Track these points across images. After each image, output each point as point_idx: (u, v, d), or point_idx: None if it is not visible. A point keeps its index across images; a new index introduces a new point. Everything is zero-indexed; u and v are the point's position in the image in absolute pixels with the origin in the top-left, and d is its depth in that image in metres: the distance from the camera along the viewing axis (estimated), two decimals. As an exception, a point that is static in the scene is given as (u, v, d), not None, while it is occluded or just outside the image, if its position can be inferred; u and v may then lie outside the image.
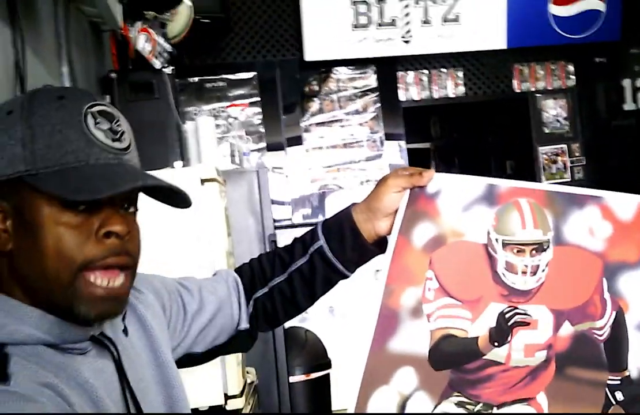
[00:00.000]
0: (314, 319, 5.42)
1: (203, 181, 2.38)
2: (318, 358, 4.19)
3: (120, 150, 1.16)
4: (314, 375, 4.11)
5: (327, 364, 4.25)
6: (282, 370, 3.69)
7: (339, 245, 1.53)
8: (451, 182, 1.48)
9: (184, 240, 2.34)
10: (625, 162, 6.61)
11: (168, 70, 3.52)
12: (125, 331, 1.30)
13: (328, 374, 4.25)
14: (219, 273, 1.61)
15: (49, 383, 1.08)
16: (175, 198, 1.24)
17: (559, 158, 6.71)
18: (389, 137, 6.27)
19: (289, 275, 1.55)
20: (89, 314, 1.14)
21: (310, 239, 1.56)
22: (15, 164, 1.11)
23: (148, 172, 1.23)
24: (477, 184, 1.46)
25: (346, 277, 1.56)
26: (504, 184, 1.45)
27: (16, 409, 1.02)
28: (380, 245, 1.54)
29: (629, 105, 6.82)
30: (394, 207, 1.48)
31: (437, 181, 1.48)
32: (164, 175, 1.22)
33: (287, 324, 4.09)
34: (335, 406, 4.27)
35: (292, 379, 3.90)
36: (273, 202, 5.16)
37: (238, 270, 1.61)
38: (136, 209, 1.22)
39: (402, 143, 6.31)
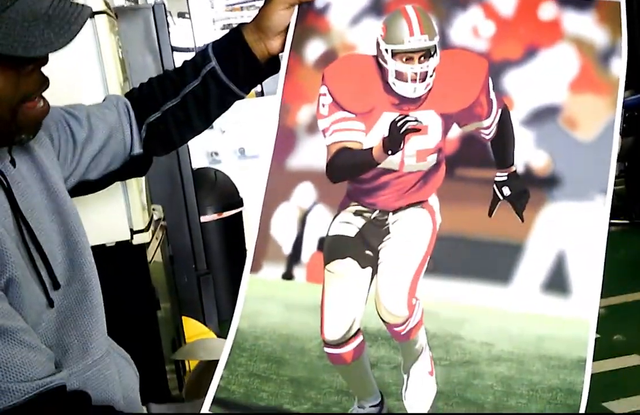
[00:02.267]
0: (225, 161, 5.42)
1: (92, 14, 2.28)
2: (229, 197, 4.22)
3: None
4: (225, 214, 4.15)
5: (239, 203, 4.28)
6: (192, 210, 3.69)
7: (231, 66, 1.51)
8: None
9: (75, 77, 2.27)
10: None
11: None
12: (12, 163, 1.27)
13: (240, 213, 4.29)
14: (108, 98, 1.58)
15: None
16: None
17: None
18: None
19: (182, 98, 1.53)
20: (27, 137, 1.24)
21: (201, 60, 1.53)
22: None
23: None
24: None
25: (241, 97, 1.56)
26: None
27: None
28: (272, 64, 1.53)
29: None
30: (283, 24, 1.47)
31: None
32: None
33: (196, 165, 4.08)
34: (249, 244, 4.32)
35: (203, 218, 3.92)
36: (177, 49, 5.04)
37: (128, 95, 1.58)
38: None
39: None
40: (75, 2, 1.20)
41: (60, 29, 1.13)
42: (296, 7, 1.46)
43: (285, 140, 1.42)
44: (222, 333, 3.86)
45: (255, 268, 1.38)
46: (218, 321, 4.02)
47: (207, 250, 3.90)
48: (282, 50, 1.49)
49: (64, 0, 1.18)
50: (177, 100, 1.53)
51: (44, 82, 1.21)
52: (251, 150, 5.58)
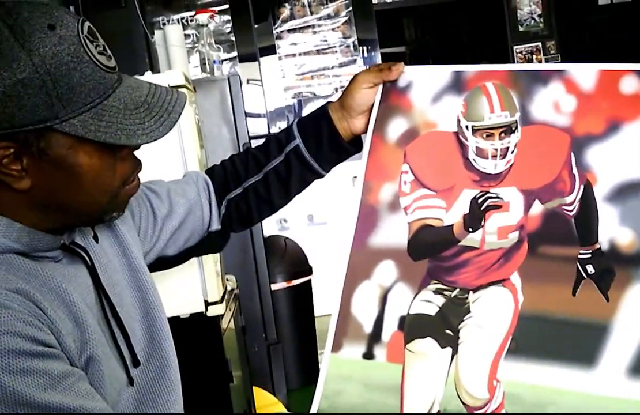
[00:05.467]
0: (294, 228, 5.44)
1: (172, 88, 2.33)
2: (298, 265, 4.21)
3: (114, 68, 1.16)
4: (295, 282, 4.14)
5: (308, 271, 4.28)
6: (263, 278, 3.71)
7: (315, 144, 1.53)
8: (420, 73, 1.49)
9: (155, 148, 2.30)
10: (599, 59, 6.55)
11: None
12: (95, 238, 1.30)
13: (309, 281, 4.28)
14: (188, 175, 1.60)
15: (19, 288, 1.08)
16: None
17: (534, 56, 6.67)
18: (362, 42, 6.19)
19: (265, 175, 1.55)
20: (118, 215, 1.25)
21: (285, 138, 1.55)
22: (39, 113, 1.07)
23: None
24: (444, 72, 1.47)
25: (322, 176, 1.57)
26: (469, 70, 1.46)
27: None
28: (355, 143, 1.54)
29: (603, 0, 6.75)
30: (367, 103, 1.49)
31: (407, 74, 1.49)
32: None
33: (267, 233, 4.10)
34: (317, 312, 4.32)
35: (273, 287, 3.92)
36: (249, 115, 5.11)
37: (209, 172, 1.60)
38: None
39: (376, 48, 6.24)
40: (170, 88, 1.23)
41: (159, 118, 1.16)
42: (380, 86, 1.48)
43: (368, 218, 1.42)
44: (291, 403, 3.83)
45: (336, 347, 1.37)
46: (286, 391, 4.00)
47: (276, 319, 3.90)
48: (365, 131, 1.50)
49: (160, 87, 1.21)
50: (260, 177, 1.55)
51: (138, 165, 1.23)
52: (319, 218, 5.59)
